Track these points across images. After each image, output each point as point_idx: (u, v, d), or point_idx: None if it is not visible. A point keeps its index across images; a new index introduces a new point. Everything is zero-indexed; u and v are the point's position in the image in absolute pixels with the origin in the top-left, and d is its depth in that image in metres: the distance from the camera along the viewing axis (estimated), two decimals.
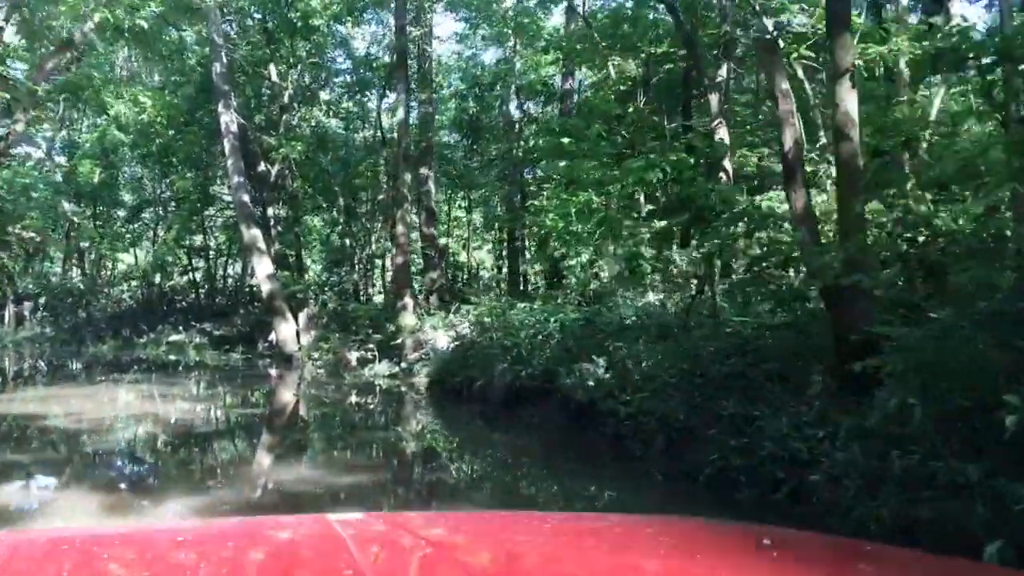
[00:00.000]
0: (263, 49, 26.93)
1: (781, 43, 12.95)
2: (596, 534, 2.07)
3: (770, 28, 13.30)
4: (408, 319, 19.85)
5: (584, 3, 23.19)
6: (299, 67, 28.04)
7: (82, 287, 33.47)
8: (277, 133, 26.19)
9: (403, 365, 18.80)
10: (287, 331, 22.58)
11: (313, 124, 29.17)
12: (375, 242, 29.64)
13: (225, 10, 25.93)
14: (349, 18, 27.63)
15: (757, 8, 10.65)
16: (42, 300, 32.94)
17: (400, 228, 22.17)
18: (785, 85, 7.69)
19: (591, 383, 10.75)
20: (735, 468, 7.38)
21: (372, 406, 16.56)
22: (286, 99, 27.40)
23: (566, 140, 17.15)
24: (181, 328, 29.67)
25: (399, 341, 19.40)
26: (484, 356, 14.50)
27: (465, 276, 31.58)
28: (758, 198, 9.95)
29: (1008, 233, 7.45)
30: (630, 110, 17.41)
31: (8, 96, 19.27)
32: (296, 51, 27.45)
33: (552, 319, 14.04)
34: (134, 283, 35.64)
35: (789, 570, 1.73)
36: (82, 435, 12.05)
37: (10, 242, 30.61)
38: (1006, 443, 5.01)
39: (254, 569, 1.68)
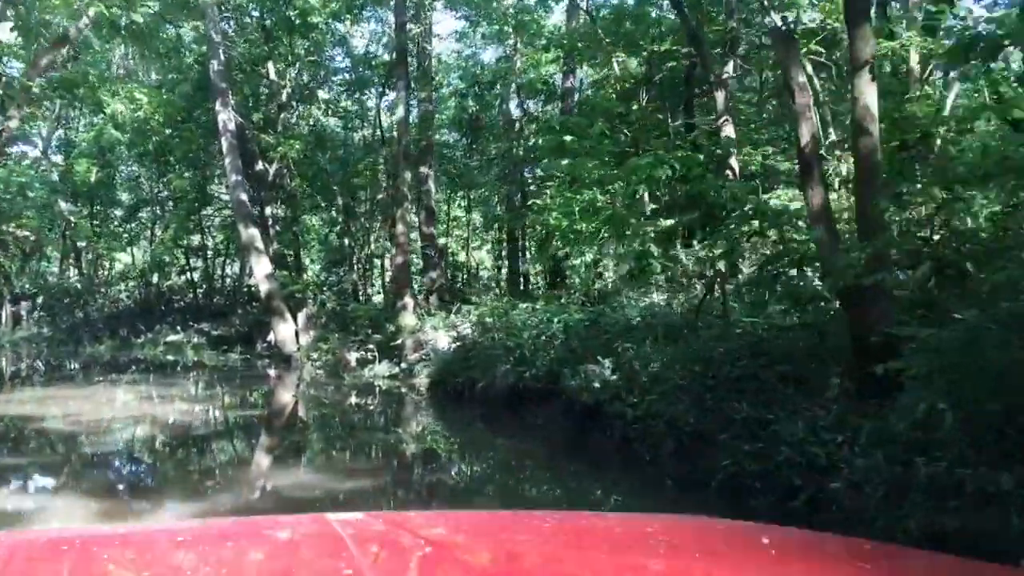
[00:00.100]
0: (261, 47, 26.66)
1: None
2: (596, 534, 2.04)
3: (779, 23, 13.12)
4: (408, 319, 19.60)
5: (586, 0, 22.97)
6: (297, 65, 27.81)
7: (79, 287, 33.25)
8: (275, 132, 25.94)
9: (403, 366, 18.56)
10: (286, 331, 22.35)
11: (311, 123, 28.95)
12: (374, 242, 29.40)
13: (223, 7, 25.72)
14: (348, 16, 27.40)
15: (766, 3, 10.40)
16: (39, 300, 32.70)
17: (400, 227, 21.94)
18: (802, 78, 7.44)
19: (597, 385, 10.50)
20: (749, 474, 7.13)
21: (372, 407, 16.33)
22: (284, 97, 27.18)
23: (568, 138, 16.93)
24: (179, 328, 29.47)
25: (399, 341, 19.14)
26: (486, 357, 14.25)
27: (464, 276, 31.32)
28: (765, 196, 9.68)
29: None
30: (634, 108, 17.14)
31: (2, 92, 19.01)
32: (294, 49, 27.22)
33: (555, 319, 13.80)
34: (131, 283, 35.36)
35: (789, 569, 1.72)
36: (79, 437, 11.88)
37: (6, 241, 30.44)
38: None
39: (254, 569, 1.68)
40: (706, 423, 8.33)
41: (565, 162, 16.45)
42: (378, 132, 29.26)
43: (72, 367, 23.59)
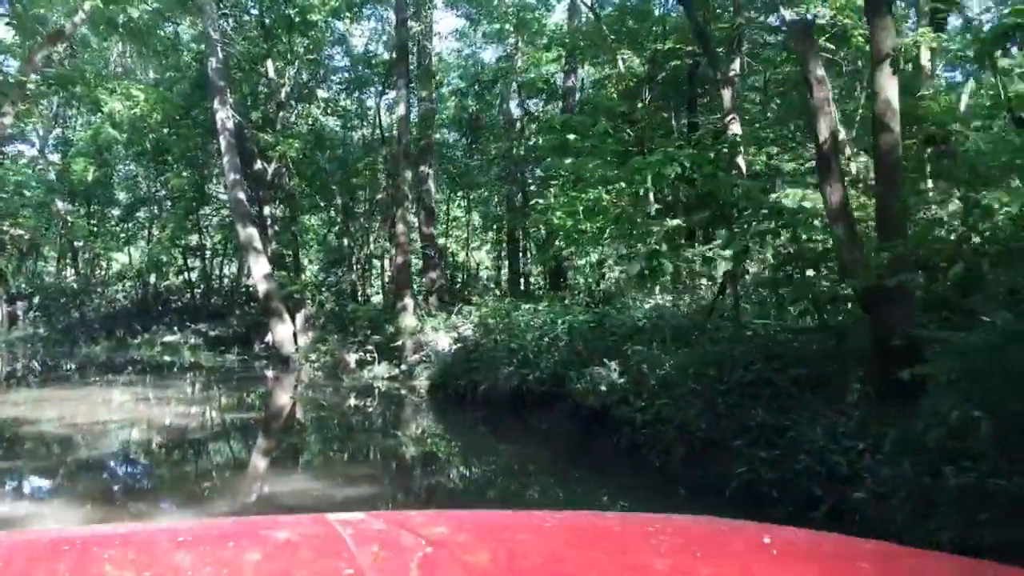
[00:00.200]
0: (260, 45, 26.40)
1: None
2: (597, 533, 2.02)
3: (788, 17, 12.88)
4: (408, 320, 19.34)
5: None
6: (296, 63, 27.57)
7: (76, 287, 33.05)
8: (274, 131, 25.68)
9: (403, 367, 18.32)
10: (284, 332, 22.11)
11: (311, 122, 28.73)
12: (373, 242, 29.15)
13: (221, 4, 25.47)
14: (348, 14, 27.19)
15: None
16: (35, 300, 32.49)
17: (400, 227, 21.68)
18: (820, 72, 7.17)
19: (603, 388, 10.23)
20: (766, 482, 6.86)
21: (371, 410, 16.05)
22: (283, 96, 26.94)
23: (571, 137, 16.70)
24: (176, 329, 29.30)
25: (399, 343, 18.88)
26: (488, 359, 13.99)
27: (463, 277, 31.06)
28: (774, 195, 9.42)
29: None
30: (639, 106, 16.88)
31: None
32: (293, 47, 26.99)
33: (559, 321, 13.53)
34: (128, 283, 35.10)
35: (790, 568, 1.71)
36: (72, 442, 11.61)
37: (3, 241, 30.26)
38: None
39: (254, 569, 1.67)
40: (719, 428, 8.05)
41: (568, 161, 16.21)
42: (378, 131, 29.03)
43: (68, 367, 23.34)
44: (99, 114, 28.44)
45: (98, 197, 33.94)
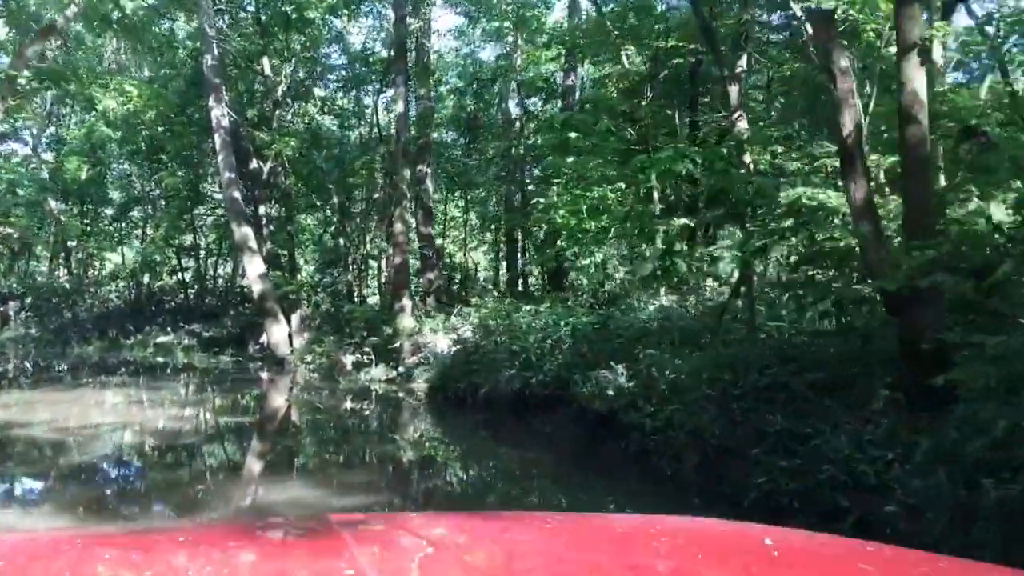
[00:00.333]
0: (256, 42, 26.06)
1: (810, 28, 12.21)
2: (596, 534, 2.01)
3: (798, 12, 12.56)
4: (406, 321, 18.99)
5: None
6: (293, 61, 27.23)
7: (68, 287, 32.64)
8: (270, 129, 25.33)
9: (401, 370, 18.01)
10: (279, 333, 21.80)
11: (307, 121, 28.43)
12: (369, 242, 28.82)
13: (217, 1, 25.12)
14: (345, 11, 26.87)
15: None
16: (27, 300, 32.15)
17: (398, 226, 21.34)
18: (844, 62, 6.85)
19: (610, 392, 9.90)
20: (787, 492, 6.53)
21: (369, 414, 15.70)
22: (279, 94, 26.60)
23: (573, 135, 16.41)
24: (169, 329, 29.06)
25: (396, 344, 18.55)
26: (489, 361, 13.65)
27: (461, 277, 30.73)
28: (791, 192, 9.08)
29: None
30: (643, 104, 16.57)
31: None
32: (290, 44, 26.65)
33: (562, 322, 13.21)
34: (121, 283, 34.77)
35: (790, 569, 1.69)
36: (63, 446, 11.28)
37: None
38: None
39: (254, 570, 1.65)
40: (734, 435, 7.72)
41: (570, 159, 15.93)
42: (375, 130, 28.73)
43: (60, 368, 23.05)
44: (93, 112, 28.18)
45: (91, 196, 33.53)
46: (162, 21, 26.25)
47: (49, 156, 34.07)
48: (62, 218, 32.67)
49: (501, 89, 27.74)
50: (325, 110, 29.91)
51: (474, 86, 28.10)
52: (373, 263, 30.26)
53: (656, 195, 14.88)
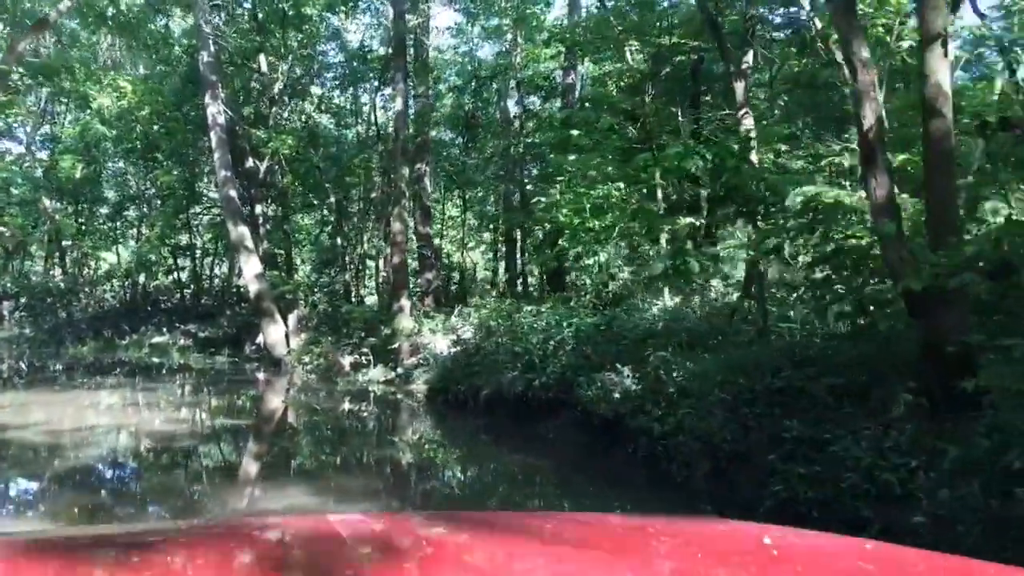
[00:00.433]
0: (253, 39, 25.79)
1: (819, 23, 11.96)
2: (596, 534, 2.00)
3: (806, 6, 12.31)
4: (405, 322, 18.71)
5: None
6: (290, 59, 26.98)
7: (63, 286, 32.42)
8: (266, 127, 25.08)
9: (399, 371, 17.76)
10: (276, 333, 21.54)
11: (304, 119, 28.19)
12: (367, 241, 28.59)
13: None
14: (342, 8, 26.63)
15: None
16: (22, 300, 31.98)
17: (397, 225, 21.04)
18: (865, 53, 6.59)
19: (616, 395, 9.64)
20: (805, 501, 6.26)
21: (367, 416, 15.42)
22: (276, 92, 26.35)
23: (575, 133, 16.18)
24: (165, 329, 28.95)
25: (395, 345, 18.30)
26: (490, 363, 13.39)
27: (458, 277, 30.49)
28: (808, 189, 8.82)
29: None
30: (647, 101, 16.33)
31: None
32: (287, 42, 26.40)
33: (565, 323, 12.94)
34: (117, 283, 34.57)
35: (790, 569, 1.72)
36: (56, 449, 10.99)
37: None
38: None
39: (254, 569, 1.63)
40: (747, 441, 7.45)
41: (572, 158, 15.69)
42: (372, 128, 28.50)
43: (54, 369, 22.85)
44: (87, 110, 27.98)
45: (86, 195, 33.26)
46: (157, 18, 26.01)
47: (43, 154, 34.02)
48: (57, 217, 32.40)
49: (500, 87, 27.50)
50: (322, 108, 29.73)
51: (472, 84, 27.84)
52: (371, 263, 30.06)
53: (660, 193, 14.64)
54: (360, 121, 30.37)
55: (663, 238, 13.86)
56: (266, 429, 14.18)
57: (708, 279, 12.94)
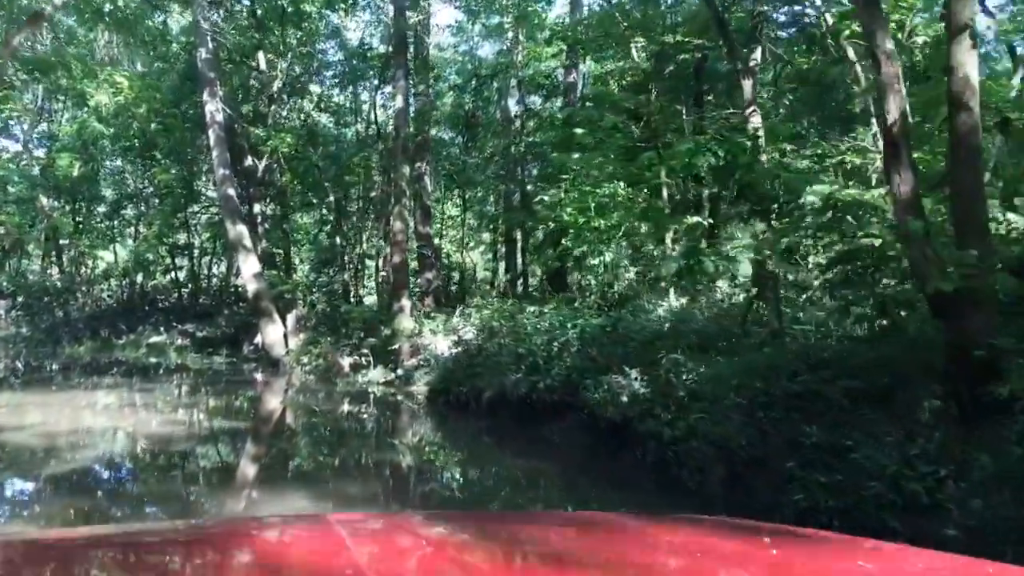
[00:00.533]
0: (251, 36, 25.55)
1: (829, 19, 11.74)
2: (597, 533, 2.02)
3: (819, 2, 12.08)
4: (405, 322, 18.47)
5: None
6: (289, 56, 26.75)
7: (60, 285, 32.14)
8: (265, 125, 24.85)
9: (400, 372, 17.52)
10: (274, 333, 21.30)
11: (303, 117, 27.97)
12: (366, 241, 28.36)
13: None
14: (342, 5, 26.41)
15: None
16: (19, 299, 31.73)
17: (397, 224, 20.80)
18: (889, 44, 6.34)
19: (624, 398, 9.39)
20: (827, 510, 6.01)
21: (367, 418, 15.16)
22: (275, 90, 26.13)
23: (579, 131, 15.94)
24: (162, 329, 28.78)
25: (395, 346, 18.05)
26: (493, 364, 13.17)
27: (458, 277, 30.28)
28: (820, 188, 8.58)
29: None
30: (653, 99, 16.10)
31: None
32: (286, 39, 26.16)
33: (569, 324, 12.70)
34: (114, 282, 34.32)
35: (791, 568, 1.70)
36: (50, 451, 10.74)
37: None
38: None
39: (254, 569, 1.66)
40: (763, 446, 7.21)
41: (576, 156, 15.44)
42: (372, 127, 28.28)
43: (51, 369, 22.64)
44: (85, 108, 27.76)
45: (83, 193, 32.96)
46: (155, 14, 25.77)
47: (40, 152, 33.74)
48: (54, 215, 32.18)
49: (501, 86, 27.28)
50: (321, 107, 29.50)
51: (473, 83, 27.61)
52: (370, 263, 29.84)
53: (665, 192, 14.41)
54: (360, 120, 30.17)
55: (668, 237, 13.64)
56: (264, 431, 13.97)
57: (720, 279, 12.71)
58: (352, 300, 26.58)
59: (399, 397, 16.31)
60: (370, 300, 27.69)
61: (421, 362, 16.92)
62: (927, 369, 6.71)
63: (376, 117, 28.35)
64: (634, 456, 8.83)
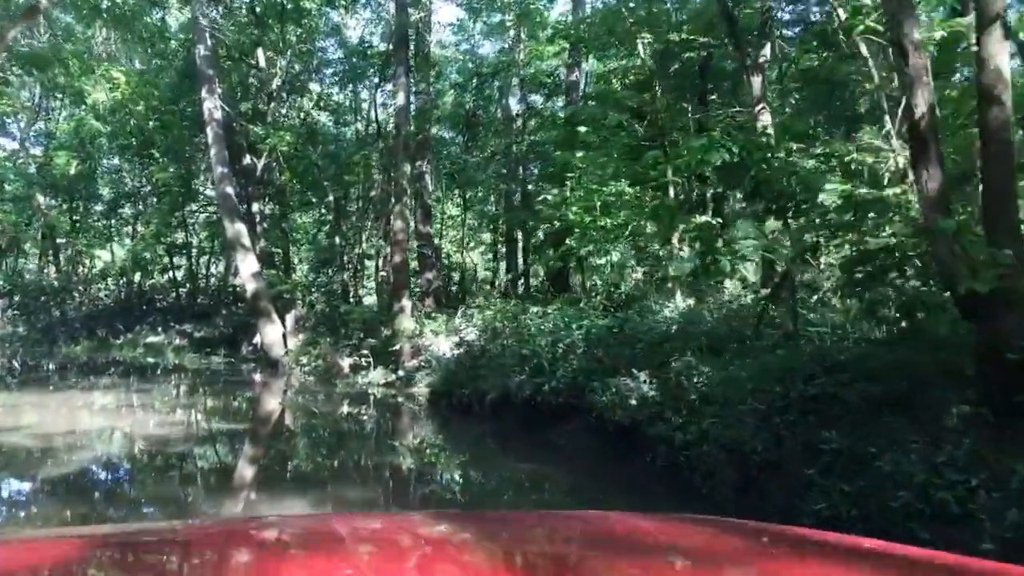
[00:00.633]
0: (251, 33, 25.32)
1: (843, 14, 11.50)
2: (596, 533, 1.98)
3: None
4: (406, 323, 18.23)
5: None
6: (288, 54, 26.53)
7: (57, 284, 31.99)
8: (264, 124, 24.62)
9: (400, 373, 17.28)
10: (273, 334, 21.06)
11: (302, 116, 27.75)
12: (365, 240, 28.14)
13: None
14: (342, 2, 26.21)
15: None
16: (15, 298, 31.58)
17: (398, 224, 20.54)
18: (916, 35, 6.11)
19: (633, 401, 9.14)
20: (849, 519, 5.75)
21: (367, 420, 14.90)
22: (274, 88, 25.91)
23: (582, 129, 15.73)
24: (160, 329, 28.69)
25: (396, 347, 17.80)
26: (496, 366, 12.93)
27: (458, 278, 30.07)
28: (838, 186, 8.34)
29: None
30: (656, 97, 15.86)
31: None
32: (286, 36, 25.94)
33: (574, 325, 12.45)
34: (111, 281, 34.17)
35: (790, 568, 1.68)
36: (45, 454, 10.57)
37: None
38: None
39: (254, 569, 1.62)
40: (779, 452, 6.95)
41: (580, 155, 15.22)
42: (372, 125, 28.07)
43: (47, 368, 22.48)
44: (82, 106, 27.56)
45: (80, 192, 32.90)
46: (153, 10, 25.55)
47: (38, 150, 33.65)
48: (51, 214, 31.99)
49: (502, 85, 27.07)
50: (321, 105, 29.28)
51: (474, 82, 27.39)
52: (369, 263, 29.63)
53: (671, 191, 14.18)
54: (359, 118, 30.02)
55: (674, 237, 13.40)
56: (263, 432, 13.74)
57: (732, 279, 12.48)
58: (351, 300, 26.34)
59: (400, 399, 16.08)
60: (369, 300, 27.46)
61: (422, 363, 16.69)
62: (952, 372, 6.45)
63: (376, 115, 28.18)
64: (644, 461, 8.58)
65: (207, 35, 22.39)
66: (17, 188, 31.12)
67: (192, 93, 24.48)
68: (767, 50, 14.02)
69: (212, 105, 21.84)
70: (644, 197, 12.07)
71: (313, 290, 26.94)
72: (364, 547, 1.74)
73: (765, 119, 13.05)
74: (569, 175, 15.40)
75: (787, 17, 19.02)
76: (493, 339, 14.09)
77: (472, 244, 32.47)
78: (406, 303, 19.05)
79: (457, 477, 10.50)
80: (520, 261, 27.00)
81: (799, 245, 8.07)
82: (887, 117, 11.28)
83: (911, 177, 10.74)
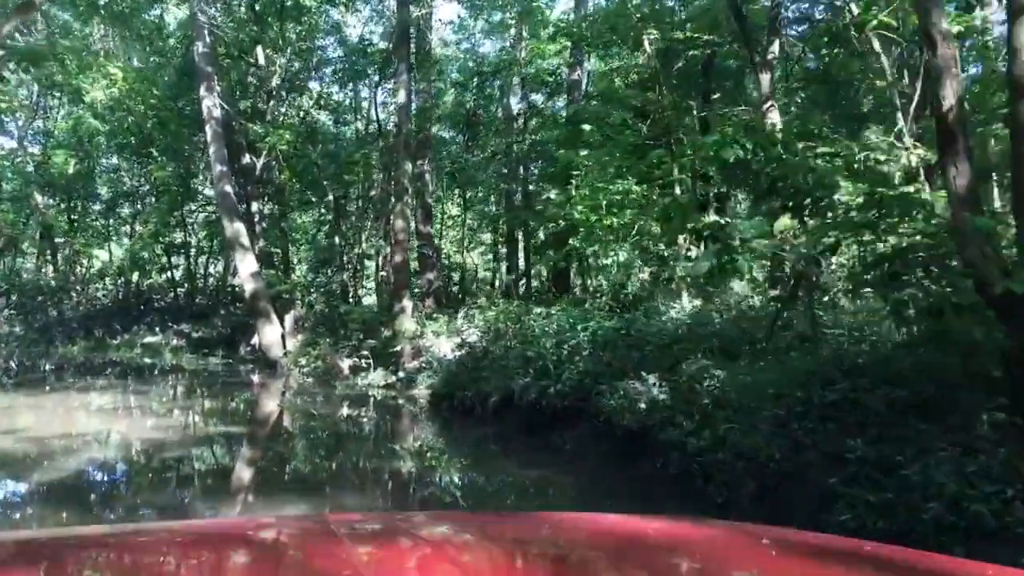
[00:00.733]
0: (250, 30, 25.08)
1: (855, 9, 11.26)
2: (597, 534, 1.99)
3: None
4: (407, 323, 17.99)
5: None
6: (288, 51, 26.31)
7: (54, 284, 31.75)
8: (263, 122, 24.38)
9: (401, 375, 17.05)
10: (272, 334, 20.83)
11: (302, 114, 27.52)
12: (365, 240, 27.92)
13: None
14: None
15: None
16: (12, 297, 31.31)
17: (399, 223, 20.31)
18: (944, 25, 5.86)
19: (642, 406, 8.88)
20: (876, 532, 5.48)
21: (368, 422, 14.66)
22: (273, 86, 25.68)
23: (587, 128, 15.49)
24: (158, 329, 28.54)
25: (396, 348, 17.56)
26: (500, 368, 12.68)
27: (459, 278, 29.84)
28: (858, 184, 8.11)
29: None
30: (661, 96, 15.64)
31: None
32: (285, 34, 25.72)
33: (580, 326, 12.18)
34: (109, 281, 33.92)
35: (789, 569, 1.71)
36: (39, 458, 10.33)
37: None
38: None
39: (253, 569, 1.64)
40: (798, 460, 6.69)
41: (584, 153, 14.98)
42: (372, 124, 27.87)
43: (44, 368, 22.29)
44: (80, 104, 27.33)
45: (78, 191, 32.70)
46: (151, 8, 25.32)
47: (35, 149, 33.45)
48: (48, 213, 31.79)
49: (503, 84, 26.82)
50: (321, 104, 29.04)
51: (475, 81, 27.15)
52: (369, 263, 29.42)
53: (678, 190, 13.93)
54: (359, 117, 29.83)
55: (681, 237, 13.15)
56: (261, 434, 13.55)
57: (744, 279, 12.23)
58: (351, 300, 26.13)
59: (400, 401, 15.84)
60: (369, 301, 27.28)
61: (423, 364, 16.46)
62: (982, 377, 6.19)
63: (376, 114, 27.96)
64: (654, 467, 8.31)
65: (206, 32, 22.20)
66: (15, 187, 31.00)
67: (191, 91, 24.29)
68: (775, 47, 13.76)
69: (211, 103, 21.64)
70: (651, 196, 11.80)
71: (312, 290, 26.71)
72: (363, 547, 1.74)
73: (774, 117, 12.80)
74: (575, 172, 15.13)
75: (793, 15, 18.88)
76: (496, 340, 13.86)
77: (472, 244, 32.25)
78: (407, 303, 18.82)
79: (458, 481, 10.25)
80: (521, 261, 26.77)
81: (819, 245, 7.80)
82: (899, 114, 11.04)
83: (923, 176, 10.56)
